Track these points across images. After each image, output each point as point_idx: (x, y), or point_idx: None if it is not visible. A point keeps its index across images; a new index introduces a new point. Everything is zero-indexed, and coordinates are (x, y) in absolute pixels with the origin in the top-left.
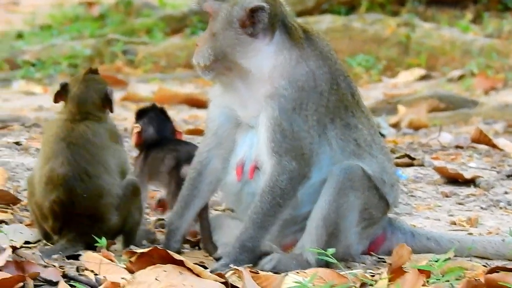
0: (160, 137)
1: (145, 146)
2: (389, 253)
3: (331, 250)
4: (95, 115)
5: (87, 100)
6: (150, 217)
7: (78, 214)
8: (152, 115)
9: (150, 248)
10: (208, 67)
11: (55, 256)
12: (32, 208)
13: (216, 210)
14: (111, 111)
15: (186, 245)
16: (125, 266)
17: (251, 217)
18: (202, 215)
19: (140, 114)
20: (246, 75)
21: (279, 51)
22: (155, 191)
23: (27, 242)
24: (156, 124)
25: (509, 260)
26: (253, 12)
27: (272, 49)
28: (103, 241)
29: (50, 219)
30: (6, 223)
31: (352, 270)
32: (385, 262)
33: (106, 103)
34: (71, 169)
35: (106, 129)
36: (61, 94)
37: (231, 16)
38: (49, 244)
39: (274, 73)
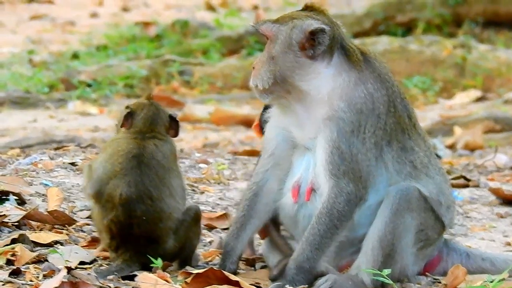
0: None
1: None
2: (444, 274)
3: (386, 271)
4: (162, 135)
5: (159, 121)
6: (206, 238)
7: (135, 235)
8: None
9: (206, 269)
10: (266, 90)
11: (110, 277)
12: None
13: None
14: (176, 134)
15: (242, 266)
16: (180, 287)
17: (308, 239)
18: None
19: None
20: (304, 97)
21: (337, 73)
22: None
23: (82, 263)
24: None
25: None
26: (313, 34)
27: (331, 71)
28: (159, 261)
29: (106, 237)
30: (62, 244)
31: None
32: (440, 283)
33: (174, 125)
34: (136, 191)
35: (170, 150)
36: (128, 119)
37: (290, 38)
38: (104, 264)
39: (333, 95)
